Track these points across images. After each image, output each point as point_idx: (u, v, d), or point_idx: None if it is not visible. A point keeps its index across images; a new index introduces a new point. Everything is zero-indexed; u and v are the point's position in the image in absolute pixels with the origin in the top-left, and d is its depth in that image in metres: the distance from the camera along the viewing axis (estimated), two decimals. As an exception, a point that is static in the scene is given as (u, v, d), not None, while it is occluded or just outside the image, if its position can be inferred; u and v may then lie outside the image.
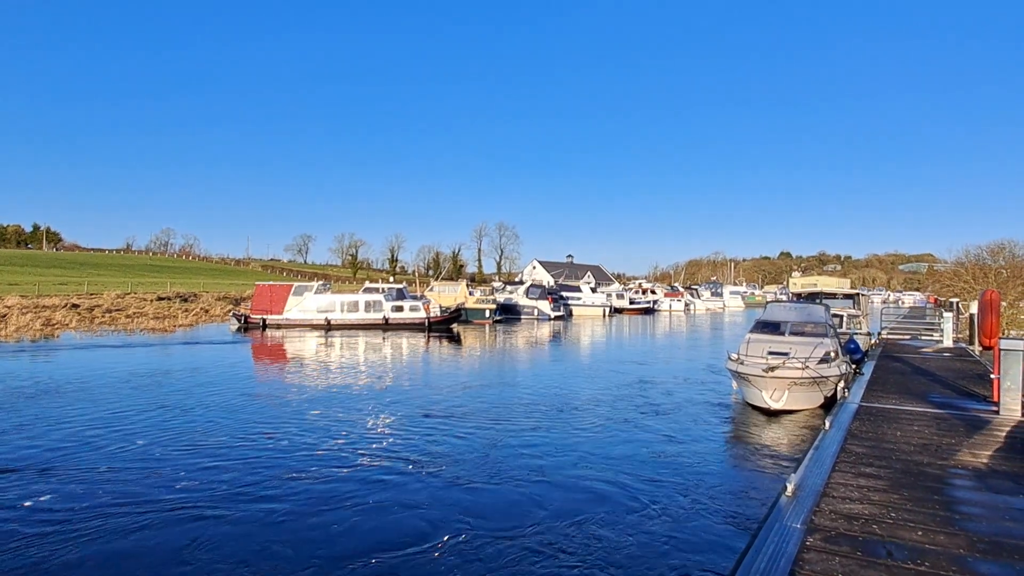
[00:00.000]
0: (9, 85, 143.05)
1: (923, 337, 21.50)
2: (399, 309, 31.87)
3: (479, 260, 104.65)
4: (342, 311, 31.61)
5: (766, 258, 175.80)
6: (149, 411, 11.44)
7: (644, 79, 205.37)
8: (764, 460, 8.82)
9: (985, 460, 6.09)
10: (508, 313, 42.05)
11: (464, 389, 14.52)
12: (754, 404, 11.86)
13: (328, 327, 30.97)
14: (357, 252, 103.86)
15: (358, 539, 5.84)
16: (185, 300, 41.13)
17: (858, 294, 23.36)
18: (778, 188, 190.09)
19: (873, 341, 19.57)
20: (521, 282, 49.93)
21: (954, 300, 24.00)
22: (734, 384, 13.05)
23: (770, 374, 10.97)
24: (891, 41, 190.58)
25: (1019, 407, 8.12)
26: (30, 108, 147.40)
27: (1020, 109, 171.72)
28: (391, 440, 9.58)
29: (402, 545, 5.69)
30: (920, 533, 4.19)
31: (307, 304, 31.56)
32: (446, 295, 39.71)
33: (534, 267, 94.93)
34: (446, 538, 5.85)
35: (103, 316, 32.29)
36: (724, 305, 69.13)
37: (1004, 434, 7.22)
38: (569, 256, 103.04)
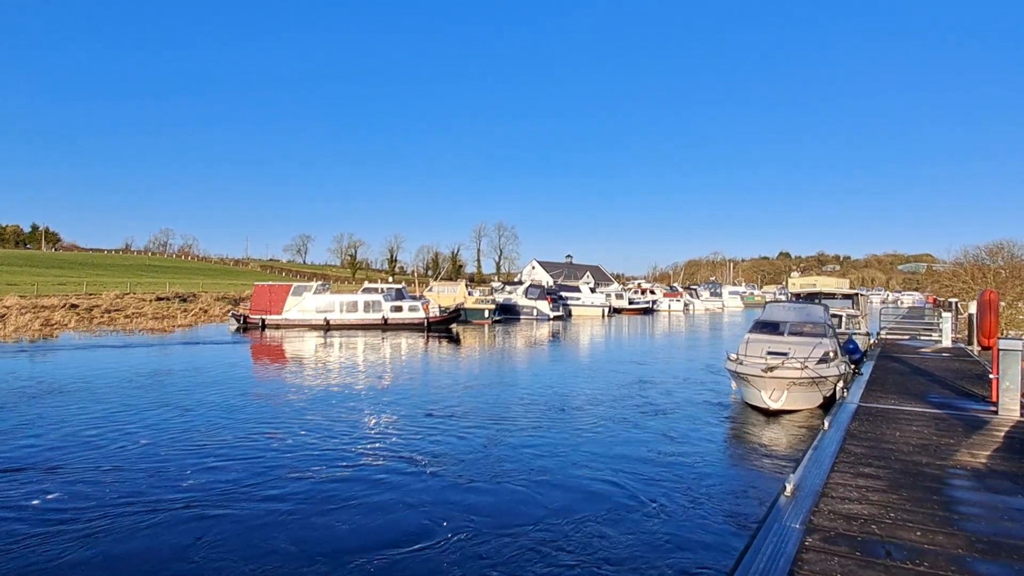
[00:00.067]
0: (9, 85, 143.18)
1: (922, 337, 21.51)
2: (398, 309, 31.87)
3: (478, 260, 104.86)
4: (341, 311, 31.61)
5: (765, 258, 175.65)
6: (150, 411, 11.47)
7: (644, 79, 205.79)
8: (763, 460, 8.86)
9: (984, 460, 6.12)
10: (507, 313, 42.06)
11: (464, 389, 14.55)
12: (753, 404, 11.89)
13: (327, 327, 30.97)
14: (356, 252, 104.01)
15: (361, 537, 5.88)
16: (184, 300, 41.11)
17: (857, 294, 23.30)
18: (777, 188, 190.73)
19: (872, 341, 19.60)
20: (520, 282, 49.96)
21: (953, 300, 24.07)
22: (733, 384, 13.08)
23: (769, 374, 11.01)
24: (891, 41, 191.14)
25: (1018, 407, 8.16)
26: (30, 108, 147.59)
27: (1020, 109, 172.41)
28: (392, 440, 9.61)
29: (404, 543, 5.73)
30: (919, 533, 4.22)
31: (306, 304, 31.56)
32: (445, 295, 39.73)
33: (533, 267, 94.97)
34: (448, 536, 5.89)
35: (102, 316, 32.28)
36: (723, 305, 69.09)
37: (1003, 434, 7.25)
38: (568, 256, 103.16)
